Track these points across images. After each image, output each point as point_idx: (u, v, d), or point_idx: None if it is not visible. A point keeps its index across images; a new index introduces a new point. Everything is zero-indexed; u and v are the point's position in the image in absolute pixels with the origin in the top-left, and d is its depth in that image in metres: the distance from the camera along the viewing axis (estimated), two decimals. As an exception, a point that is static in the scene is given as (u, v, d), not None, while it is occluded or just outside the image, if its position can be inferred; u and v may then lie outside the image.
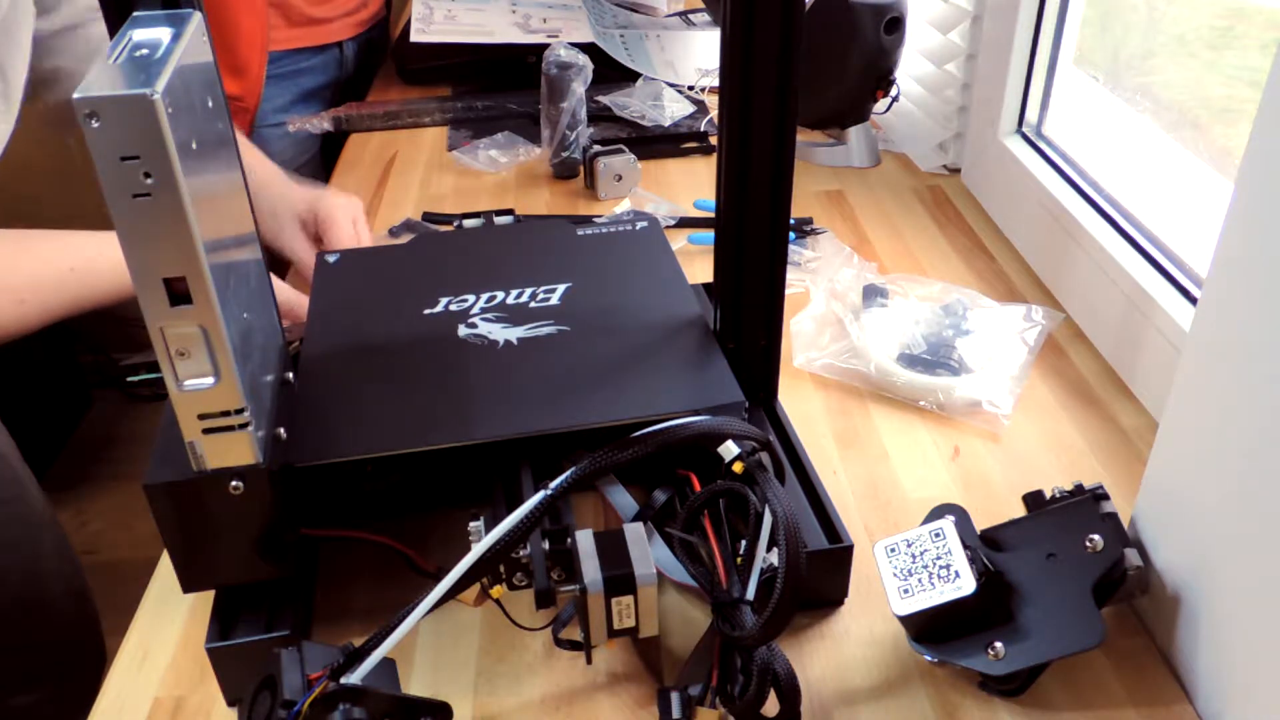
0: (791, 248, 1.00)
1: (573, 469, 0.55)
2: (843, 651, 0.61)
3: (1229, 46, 0.84)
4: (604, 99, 1.31)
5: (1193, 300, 0.75)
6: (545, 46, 1.19)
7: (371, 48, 1.60)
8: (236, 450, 0.52)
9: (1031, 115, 1.03)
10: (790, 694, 0.52)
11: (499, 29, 1.48)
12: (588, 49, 1.21)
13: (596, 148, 1.16)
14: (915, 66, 1.23)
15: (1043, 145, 1.01)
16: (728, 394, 0.64)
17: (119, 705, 0.60)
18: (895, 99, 1.17)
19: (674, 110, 1.32)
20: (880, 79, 1.14)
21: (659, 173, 1.21)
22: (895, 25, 1.11)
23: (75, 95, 0.41)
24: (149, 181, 0.43)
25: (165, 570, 0.68)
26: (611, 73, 1.41)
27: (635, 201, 1.13)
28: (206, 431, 0.51)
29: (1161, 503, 0.60)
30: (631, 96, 1.33)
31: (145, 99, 0.42)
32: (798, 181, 0.65)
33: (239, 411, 0.51)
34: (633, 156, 1.14)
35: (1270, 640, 0.50)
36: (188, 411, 0.50)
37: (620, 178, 1.14)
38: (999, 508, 0.70)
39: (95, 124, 0.42)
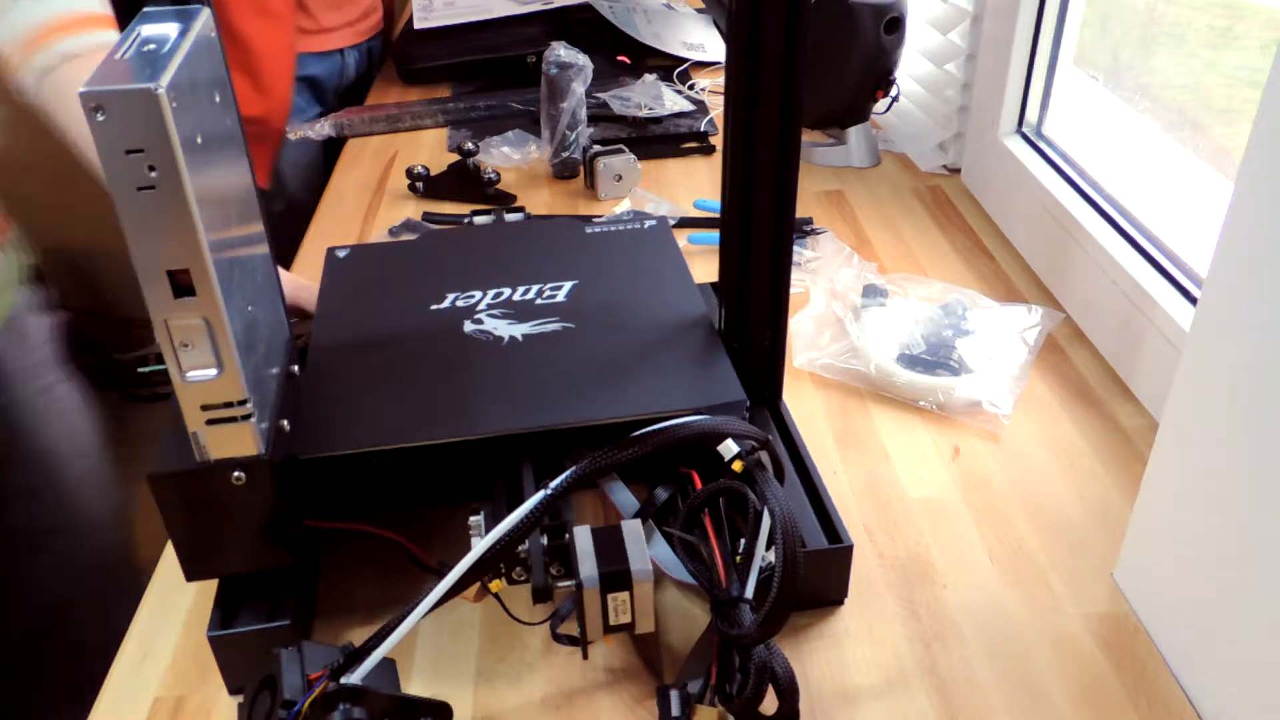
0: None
1: (572, 469, 0.55)
2: (843, 651, 0.61)
3: (1229, 46, 0.85)
4: (603, 95, 1.31)
5: (1193, 300, 0.75)
6: (544, 17, 1.19)
7: (370, 57, 1.61)
8: (239, 441, 0.52)
9: (1031, 115, 1.03)
10: (788, 692, 0.52)
11: (497, 6, 1.52)
12: (585, 26, 1.20)
13: (596, 148, 1.16)
14: (915, 66, 1.24)
15: (1043, 145, 1.01)
16: (730, 393, 0.64)
17: (119, 705, 0.60)
18: (895, 99, 1.17)
19: (673, 104, 1.32)
20: (880, 79, 1.14)
21: (659, 173, 1.22)
22: (895, 25, 1.11)
23: (81, 89, 0.41)
24: (153, 175, 0.43)
25: (165, 570, 0.68)
26: (610, 68, 1.42)
27: (635, 201, 1.13)
28: (210, 423, 0.51)
29: (1163, 505, 0.60)
30: (631, 92, 1.33)
31: (150, 93, 0.42)
32: (798, 182, 0.65)
33: (241, 403, 0.51)
34: (633, 156, 1.14)
35: (1272, 640, 0.51)
36: (191, 402, 0.50)
37: (620, 178, 1.14)
38: (999, 507, 0.71)
39: (100, 117, 0.42)
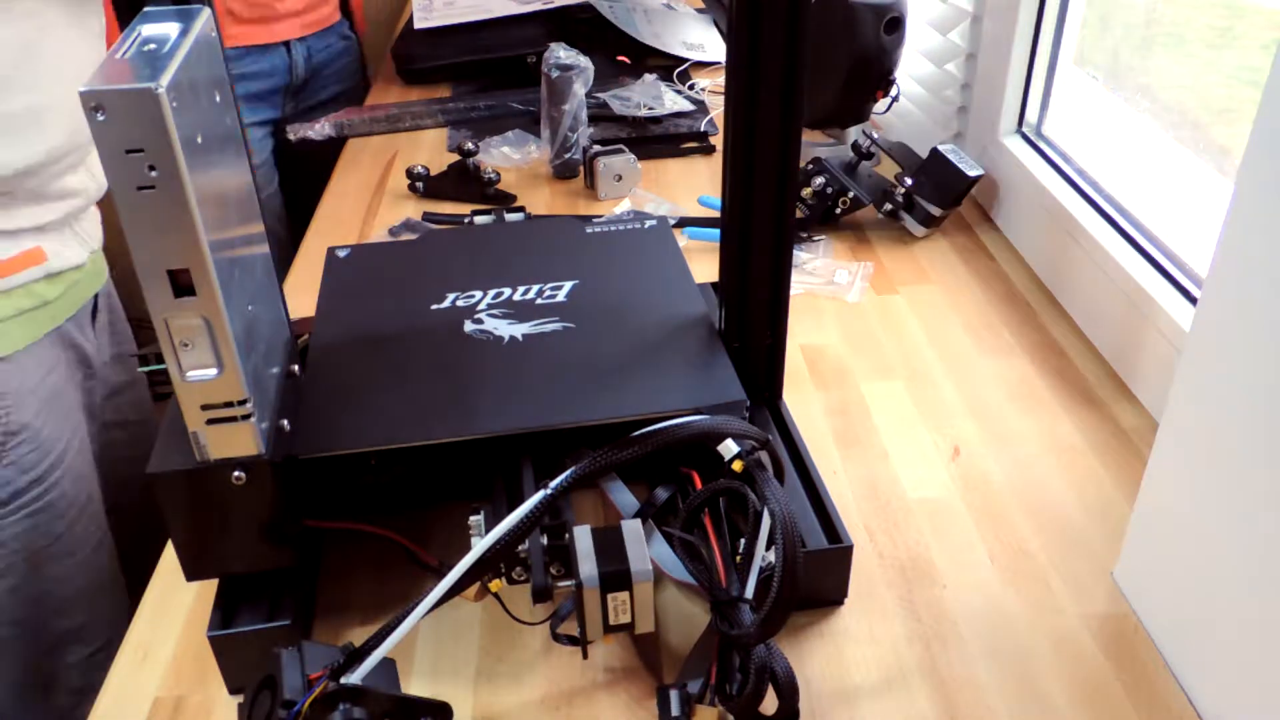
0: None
1: (572, 468, 0.55)
2: (842, 651, 0.61)
3: (1229, 46, 0.85)
4: (603, 95, 1.31)
5: (1193, 300, 0.75)
6: (544, 17, 1.19)
7: (331, 53, 1.56)
8: (239, 441, 0.52)
9: (1031, 115, 1.03)
10: (788, 692, 0.52)
11: (497, 6, 1.52)
12: (585, 26, 1.20)
13: (596, 148, 1.16)
14: (915, 66, 1.24)
15: (1043, 145, 1.01)
16: (730, 393, 0.64)
17: (119, 705, 0.60)
18: (895, 99, 1.17)
19: (673, 104, 1.32)
20: (880, 79, 1.14)
21: (659, 173, 1.22)
22: (895, 25, 1.11)
23: (81, 89, 0.41)
24: (153, 174, 0.44)
25: (165, 570, 0.68)
26: (610, 68, 1.42)
27: (635, 201, 1.13)
28: (210, 422, 0.51)
29: (1163, 505, 0.60)
30: (631, 92, 1.33)
31: (150, 93, 0.42)
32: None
33: (241, 403, 0.51)
34: (633, 156, 1.14)
35: (1272, 640, 0.51)
36: (191, 402, 0.50)
37: (620, 178, 1.14)
38: (999, 507, 0.71)
39: (101, 117, 0.42)
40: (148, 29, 0.47)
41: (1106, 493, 0.72)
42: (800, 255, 1.00)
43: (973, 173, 1.00)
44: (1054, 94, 1.01)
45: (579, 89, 1.17)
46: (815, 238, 1.04)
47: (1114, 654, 0.60)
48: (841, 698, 0.58)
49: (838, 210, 1.05)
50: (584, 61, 1.18)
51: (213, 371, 0.50)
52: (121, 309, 1.09)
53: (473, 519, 0.56)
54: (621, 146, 1.16)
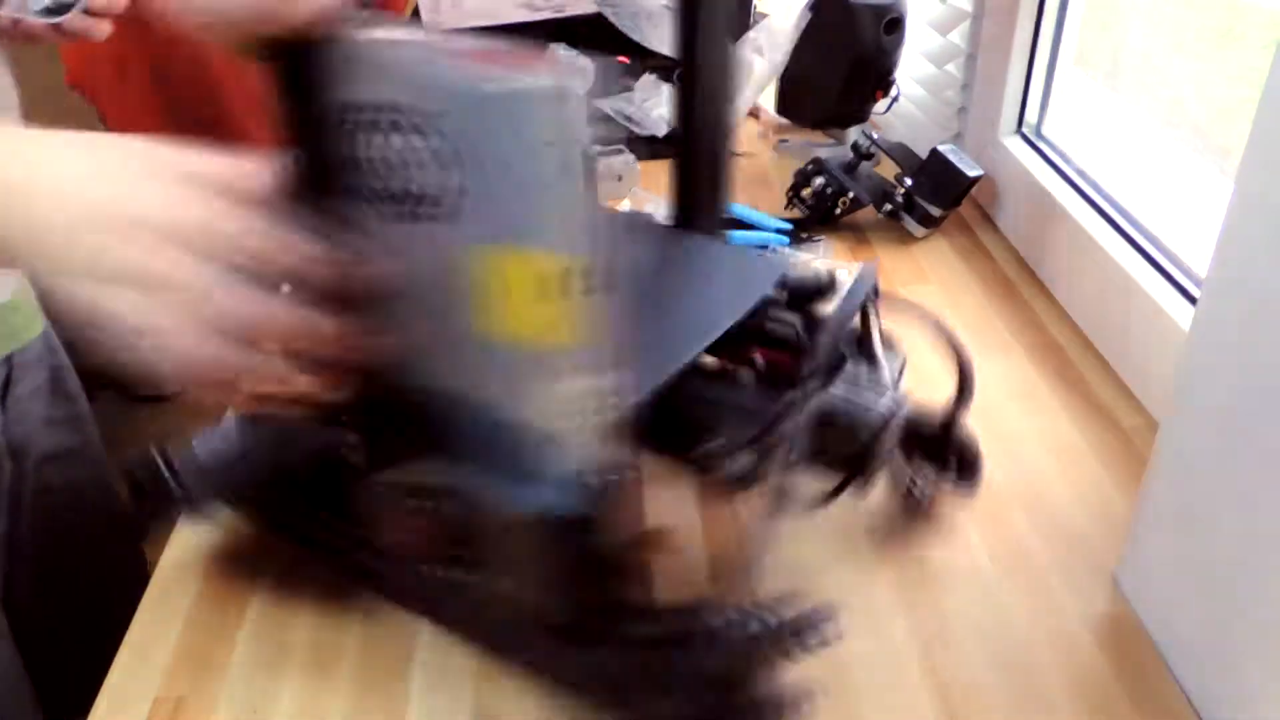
0: (790, 250, 1.00)
1: None
2: (843, 651, 0.60)
3: (1229, 46, 0.85)
4: (601, 104, 1.31)
5: (1193, 300, 0.75)
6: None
7: None
8: None
9: (1031, 115, 1.03)
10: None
11: (506, 10, 1.51)
12: (585, 26, 1.20)
13: (596, 148, 1.16)
14: (915, 67, 1.24)
15: (1043, 145, 1.01)
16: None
17: (119, 705, 0.60)
18: (895, 99, 1.17)
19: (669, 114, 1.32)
20: (880, 79, 1.14)
21: (659, 173, 1.21)
22: (895, 25, 1.11)
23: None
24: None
25: (165, 570, 0.68)
26: (609, 67, 1.42)
27: (635, 201, 1.13)
28: None
29: (1163, 505, 0.60)
30: (630, 103, 1.33)
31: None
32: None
33: None
34: (632, 156, 1.14)
35: (1273, 640, 0.51)
36: None
37: (620, 178, 1.14)
38: (999, 507, 0.71)
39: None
40: None
41: (1106, 493, 0.72)
42: (800, 255, 1.00)
43: (972, 173, 1.00)
44: (1054, 94, 1.01)
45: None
46: (815, 238, 1.04)
47: (1114, 654, 0.60)
48: (841, 698, 0.58)
49: (838, 210, 1.05)
50: (583, 62, 1.18)
51: None
52: (67, 367, 1.01)
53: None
54: (621, 146, 1.16)
